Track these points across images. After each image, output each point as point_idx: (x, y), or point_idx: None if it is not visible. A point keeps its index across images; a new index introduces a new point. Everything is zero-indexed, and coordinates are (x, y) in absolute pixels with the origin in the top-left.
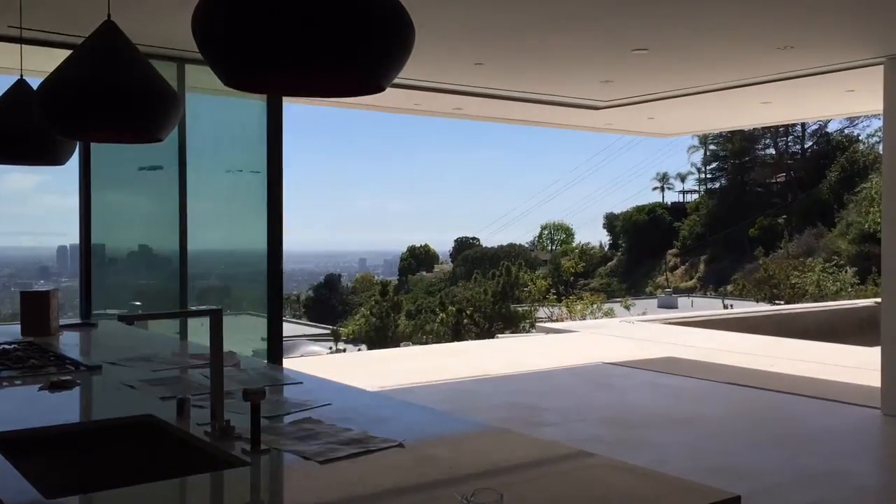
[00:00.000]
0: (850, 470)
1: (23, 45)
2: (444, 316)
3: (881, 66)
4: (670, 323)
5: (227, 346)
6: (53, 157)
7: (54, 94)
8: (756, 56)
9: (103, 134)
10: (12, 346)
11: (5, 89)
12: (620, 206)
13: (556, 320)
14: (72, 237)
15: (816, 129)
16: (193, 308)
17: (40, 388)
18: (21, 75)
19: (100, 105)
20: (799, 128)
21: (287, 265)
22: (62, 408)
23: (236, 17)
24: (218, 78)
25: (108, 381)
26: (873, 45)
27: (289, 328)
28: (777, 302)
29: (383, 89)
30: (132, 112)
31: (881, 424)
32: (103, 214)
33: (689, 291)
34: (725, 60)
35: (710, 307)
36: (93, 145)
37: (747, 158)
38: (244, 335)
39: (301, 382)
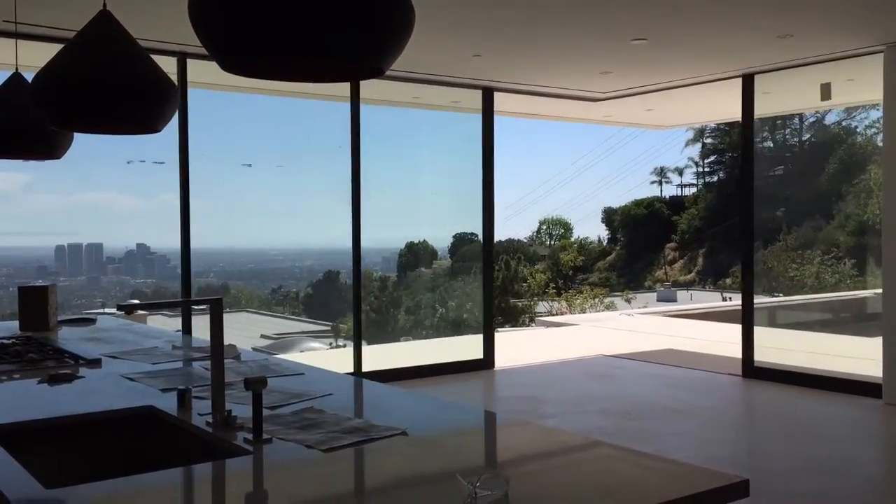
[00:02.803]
0: (853, 459)
1: (18, 40)
2: (444, 311)
3: (880, 55)
4: (670, 315)
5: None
6: (50, 150)
7: (49, 85)
8: (756, 45)
9: (99, 125)
10: (10, 340)
11: (1, 83)
12: (618, 200)
13: (556, 314)
14: (68, 237)
15: (814, 122)
16: (193, 298)
17: (39, 382)
18: (16, 69)
19: (95, 95)
20: (797, 120)
21: (285, 262)
22: (62, 400)
23: (234, 1)
24: (217, 63)
25: (108, 373)
26: (873, 33)
27: (288, 325)
28: (776, 294)
29: (384, 72)
30: (129, 103)
31: (883, 414)
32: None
33: (687, 285)
34: (724, 49)
35: (710, 300)
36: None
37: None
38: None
39: (302, 373)
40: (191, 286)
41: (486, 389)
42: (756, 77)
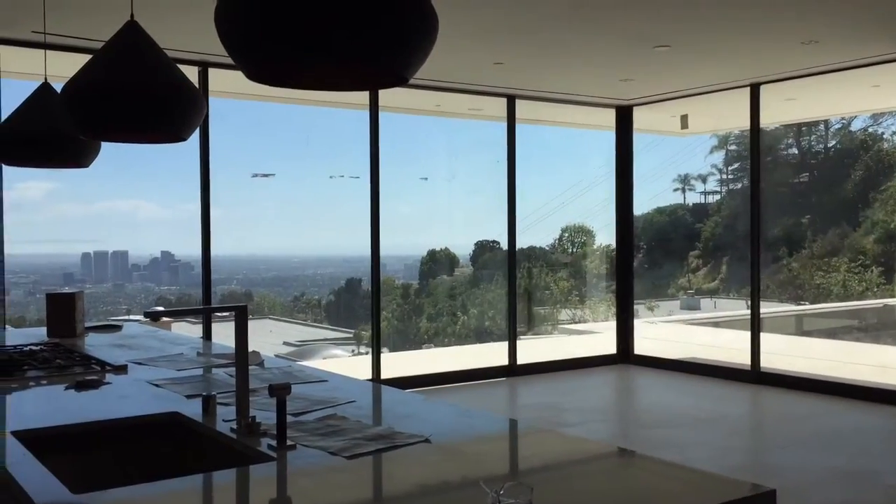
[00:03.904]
0: (878, 469)
1: (47, 50)
2: (466, 318)
3: None
4: (692, 323)
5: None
6: (78, 159)
7: (78, 95)
8: (780, 51)
9: (128, 134)
10: (39, 347)
11: (30, 93)
12: (641, 207)
13: (579, 322)
14: (94, 244)
15: (840, 128)
16: (218, 305)
17: (67, 388)
18: (45, 79)
19: (124, 105)
20: (822, 126)
21: (307, 270)
22: (89, 406)
23: (259, 9)
24: (243, 73)
25: (134, 380)
26: None
27: (310, 332)
28: (802, 302)
29: (407, 81)
30: (156, 112)
31: None
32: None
33: (711, 293)
34: (748, 56)
35: (733, 308)
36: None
37: (769, 158)
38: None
39: (326, 380)
40: (211, 293)
41: (507, 398)
42: (780, 84)
